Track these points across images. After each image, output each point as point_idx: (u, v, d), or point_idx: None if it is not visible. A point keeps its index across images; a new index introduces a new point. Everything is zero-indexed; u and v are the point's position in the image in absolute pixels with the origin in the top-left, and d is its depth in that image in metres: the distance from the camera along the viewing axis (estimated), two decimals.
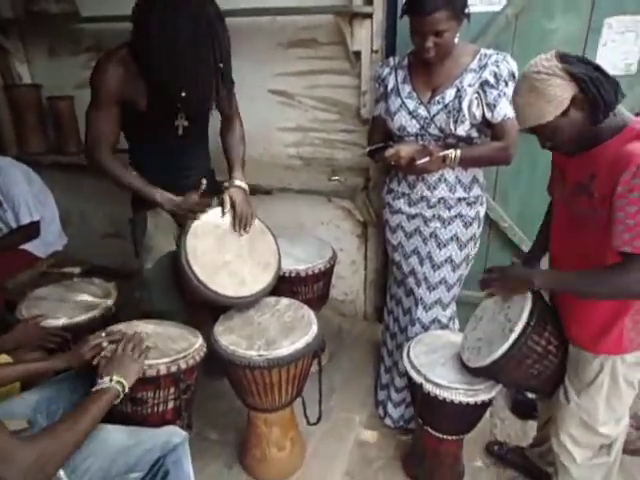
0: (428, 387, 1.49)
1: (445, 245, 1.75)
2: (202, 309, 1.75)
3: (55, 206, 2.60)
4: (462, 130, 1.59)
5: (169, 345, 1.45)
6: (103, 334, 1.41)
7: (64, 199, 2.83)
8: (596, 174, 1.13)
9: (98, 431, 1.17)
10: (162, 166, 1.73)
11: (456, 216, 1.71)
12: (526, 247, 2.09)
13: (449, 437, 1.62)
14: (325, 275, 2.16)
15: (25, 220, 2.33)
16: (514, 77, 1.55)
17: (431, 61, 1.56)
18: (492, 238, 2.27)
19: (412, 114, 1.64)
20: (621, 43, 1.83)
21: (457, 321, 1.92)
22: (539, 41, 1.91)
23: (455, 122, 1.58)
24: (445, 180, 1.68)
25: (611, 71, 1.10)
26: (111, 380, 1.19)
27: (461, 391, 1.47)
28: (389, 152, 1.59)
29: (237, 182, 1.80)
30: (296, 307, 1.74)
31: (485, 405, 1.53)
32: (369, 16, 2.11)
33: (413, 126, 1.65)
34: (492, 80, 1.56)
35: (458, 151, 1.56)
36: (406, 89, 1.67)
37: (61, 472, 1.07)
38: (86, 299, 1.87)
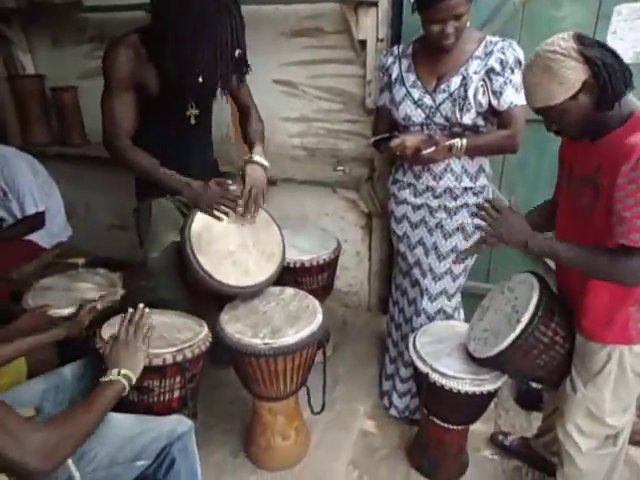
0: (434, 377, 1.49)
1: (451, 235, 1.74)
2: (206, 298, 1.74)
3: (60, 197, 2.60)
4: (468, 118, 1.57)
5: (175, 335, 1.46)
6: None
7: (69, 190, 2.83)
8: (602, 164, 1.12)
9: (105, 419, 1.17)
10: (170, 153, 1.69)
11: (462, 206, 1.70)
12: None
13: (454, 427, 1.62)
14: (329, 266, 2.16)
15: (30, 210, 2.34)
16: (520, 64, 1.54)
17: (449, 47, 1.54)
18: None
19: (417, 103, 1.63)
20: (631, 31, 1.80)
21: (462, 311, 1.91)
22: (546, 29, 1.87)
23: (461, 110, 1.56)
24: (451, 170, 1.66)
25: None
26: (119, 373, 1.19)
27: (467, 381, 1.47)
28: (394, 142, 1.58)
29: (256, 157, 1.73)
30: (301, 297, 1.75)
31: (491, 395, 1.53)
32: (375, 4, 2.09)
33: (418, 115, 1.63)
34: (498, 67, 1.54)
35: (464, 140, 1.54)
36: (410, 78, 1.66)
37: (68, 459, 1.08)
38: (91, 288, 1.86)
